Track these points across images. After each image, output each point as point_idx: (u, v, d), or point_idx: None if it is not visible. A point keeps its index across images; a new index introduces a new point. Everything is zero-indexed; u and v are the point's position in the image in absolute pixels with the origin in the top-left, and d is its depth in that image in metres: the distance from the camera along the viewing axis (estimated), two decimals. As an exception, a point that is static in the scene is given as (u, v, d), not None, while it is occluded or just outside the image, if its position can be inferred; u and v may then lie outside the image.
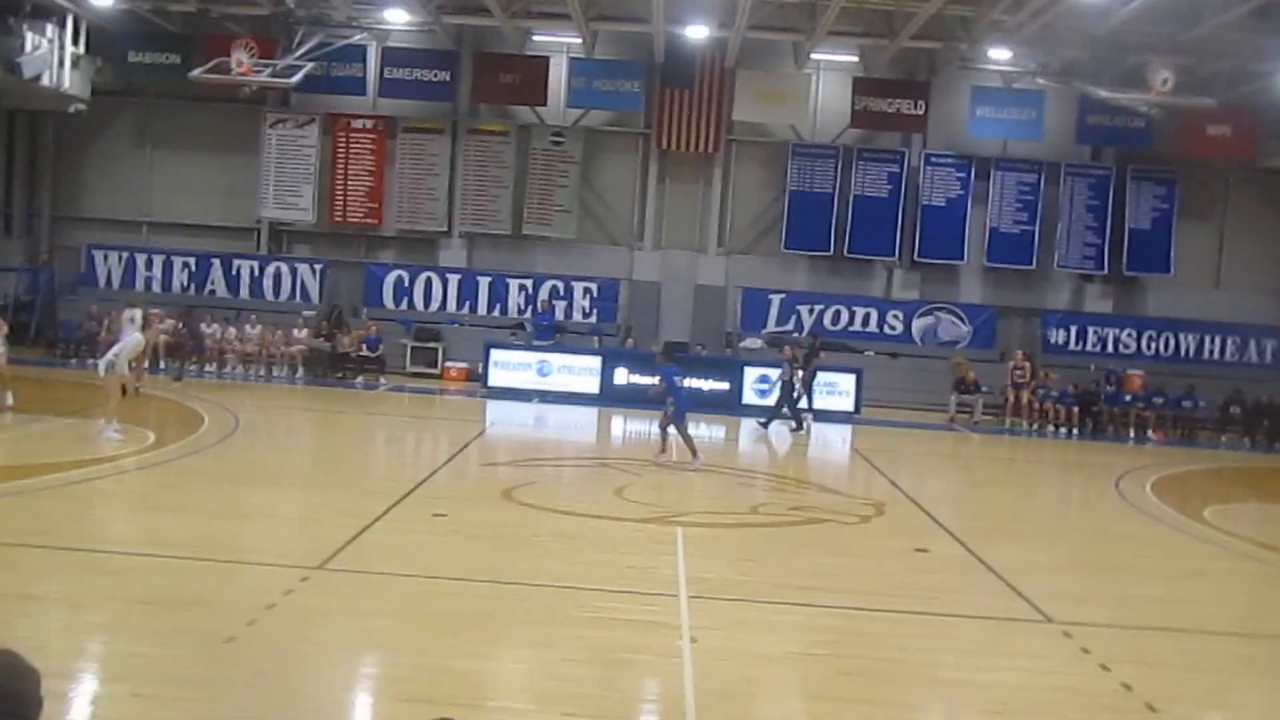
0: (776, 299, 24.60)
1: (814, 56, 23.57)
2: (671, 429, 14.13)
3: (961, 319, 24.64)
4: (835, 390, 21.41)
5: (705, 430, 18.98)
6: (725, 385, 21.30)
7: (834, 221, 24.42)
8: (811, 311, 24.45)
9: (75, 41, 22.36)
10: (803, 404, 19.64)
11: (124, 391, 14.78)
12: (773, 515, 11.83)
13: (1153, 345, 24.55)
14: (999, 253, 24.71)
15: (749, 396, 21.25)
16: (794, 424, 19.05)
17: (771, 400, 19.66)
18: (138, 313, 14.38)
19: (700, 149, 24.46)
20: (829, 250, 24.58)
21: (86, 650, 6.60)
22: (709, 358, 22.50)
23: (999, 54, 21.48)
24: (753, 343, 23.90)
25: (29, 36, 20.99)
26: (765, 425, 18.99)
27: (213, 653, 6.36)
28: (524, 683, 6.50)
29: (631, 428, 19.18)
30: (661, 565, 9.10)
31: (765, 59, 24.16)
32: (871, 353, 23.92)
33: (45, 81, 21.66)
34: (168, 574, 8.00)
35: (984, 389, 21.97)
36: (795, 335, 22.95)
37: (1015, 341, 24.46)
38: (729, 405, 20.82)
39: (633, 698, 6.54)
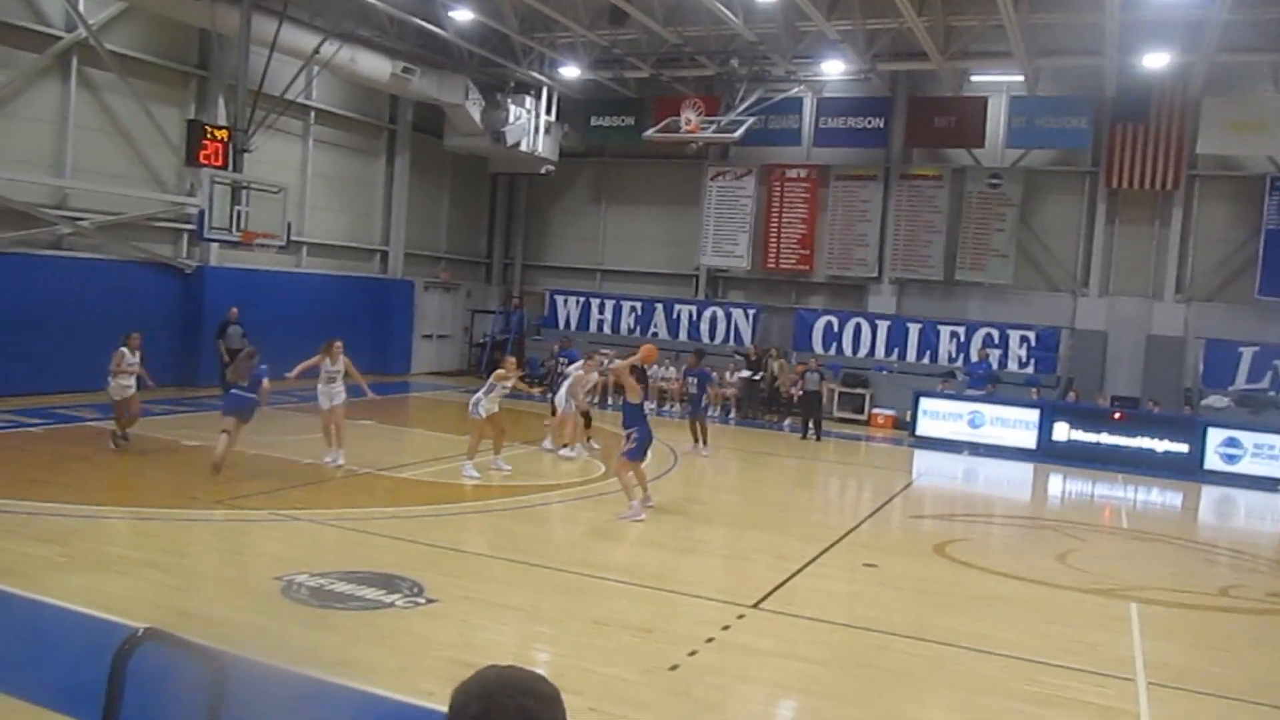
0: (1248, 352, 21.78)
1: (1301, 77, 20.82)
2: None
3: None
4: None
5: (1158, 496, 17.27)
6: (1184, 447, 19.16)
7: (1323, 264, 21.28)
8: (1294, 367, 21.42)
9: (548, 111, 25.40)
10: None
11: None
12: (1247, 600, 10.42)
13: None
14: None
15: (1212, 461, 18.97)
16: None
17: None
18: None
19: (1156, 186, 22.46)
20: (1317, 297, 21.44)
21: (545, 661, 7.15)
22: (1164, 415, 20.39)
23: None
24: (1218, 401, 21.31)
25: (512, 109, 24.11)
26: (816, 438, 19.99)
27: (659, 679, 6.72)
28: (962, 752, 6.20)
29: (1072, 487, 17.83)
30: (1114, 644, 8.32)
31: (1237, 84, 21.69)
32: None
33: (523, 147, 24.78)
34: (616, 598, 8.62)
35: None
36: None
37: None
38: (1188, 470, 18.71)
39: (1084, 787, 6.02)
